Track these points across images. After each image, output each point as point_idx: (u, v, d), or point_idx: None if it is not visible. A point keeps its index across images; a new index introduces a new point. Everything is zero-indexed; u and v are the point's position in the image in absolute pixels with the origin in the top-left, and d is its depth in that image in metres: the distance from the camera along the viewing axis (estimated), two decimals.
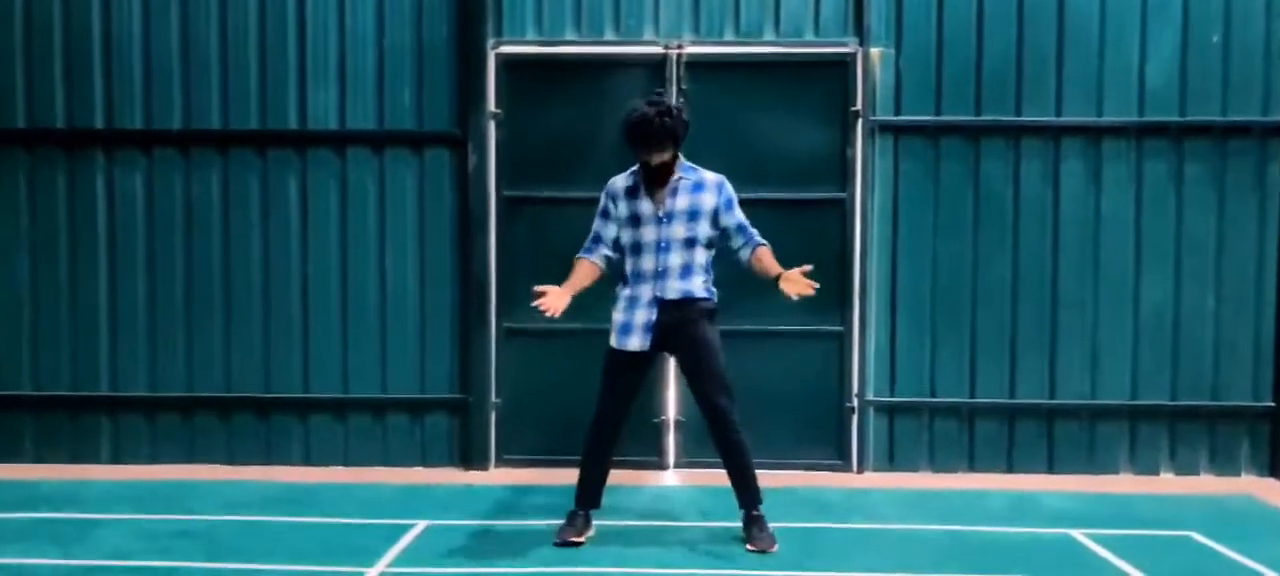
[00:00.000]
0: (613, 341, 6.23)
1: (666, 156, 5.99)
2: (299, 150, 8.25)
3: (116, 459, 8.32)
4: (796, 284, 5.99)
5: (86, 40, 8.22)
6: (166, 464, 8.26)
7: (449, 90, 8.19)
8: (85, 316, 8.30)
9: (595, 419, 6.26)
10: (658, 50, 8.13)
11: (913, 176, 8.18)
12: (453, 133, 8.19)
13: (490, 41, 8.14)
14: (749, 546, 6.13)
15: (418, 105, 8.23)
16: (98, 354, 8.31)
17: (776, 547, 6.10)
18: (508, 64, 8.19)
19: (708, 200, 6.08)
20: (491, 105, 8.16)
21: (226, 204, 8.27)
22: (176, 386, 8.31)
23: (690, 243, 6.05)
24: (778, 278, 6.06)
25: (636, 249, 6.12)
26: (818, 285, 6.02)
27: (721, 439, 6.19)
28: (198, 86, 8.23)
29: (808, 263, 7.87)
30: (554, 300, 6.00)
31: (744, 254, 6.22)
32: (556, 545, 6.16)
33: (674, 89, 8.02)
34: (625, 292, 6.22)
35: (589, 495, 6.32)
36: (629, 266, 6.19)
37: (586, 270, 6.24)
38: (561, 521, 6.35)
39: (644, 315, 6.10)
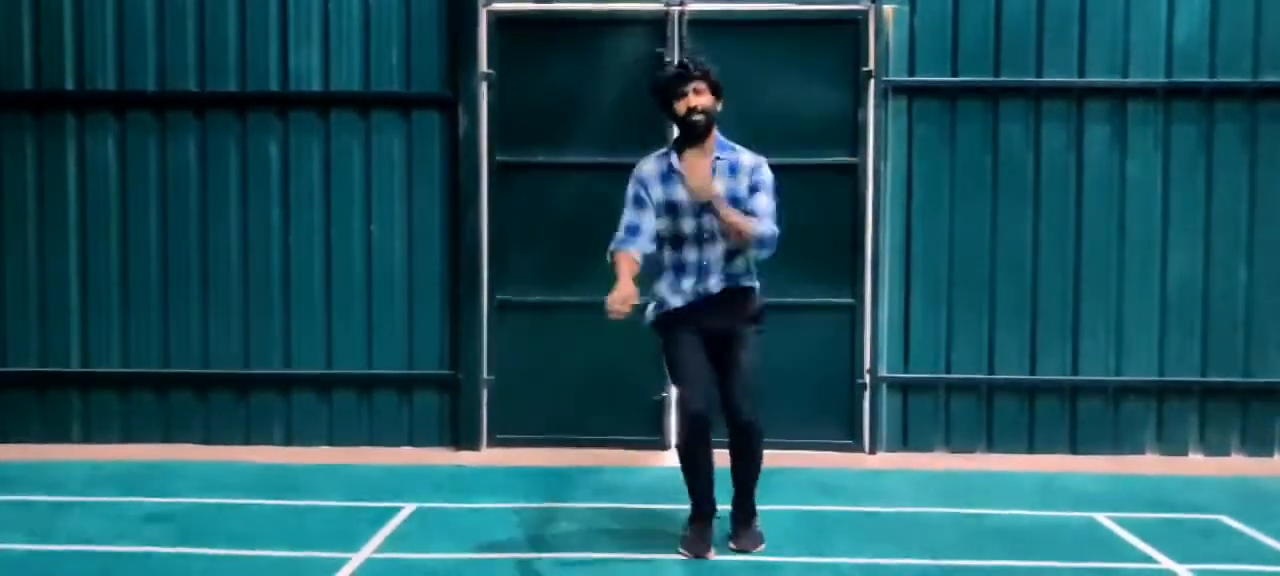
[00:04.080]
0: (650, 314, 5.83)
1: (707, 99, 5.64)
2: (280, 113, 8.16)
3: (87, 438, 8.24)
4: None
5: None
6: (140, 444, 8.17)
7: (438, 50, 8.11)
8: (54, 289, 8.21)
9: (678, 407, 5.75)
10: (659, 7, 8.03)
11: (928, 141, 8.08)
12: (443, 94, 8.10)
13: None
14: (732, 544, 5.86)
15: (406, 65, 8.14)
16: (68, 328, 8.22)
17: (763, 547, 5.87)
18: (500, 22, 8.10)
19: (743, 182, 5.70)
20: (483, 65, 8.07)
21: (204, 170, 8.18)
22: (151, 362, 8.22)
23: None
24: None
25: (677, 241, 5.73)
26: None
27: (743, 449, 5.79)
28: (173, 45, 8.14)
29: (817, 233, 7.89)
30: (622, 301, 5.41)
31: (755, 251, 5.76)
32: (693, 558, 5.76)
33: (676, 49, 7.87)
34: (668, 278, 5.77)
35: (702, 494, 5.84)
36: (668, 258, 5.77)
37: (630, 264, 5.64)
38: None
39: (683, 300, 5.71)
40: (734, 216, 5.52)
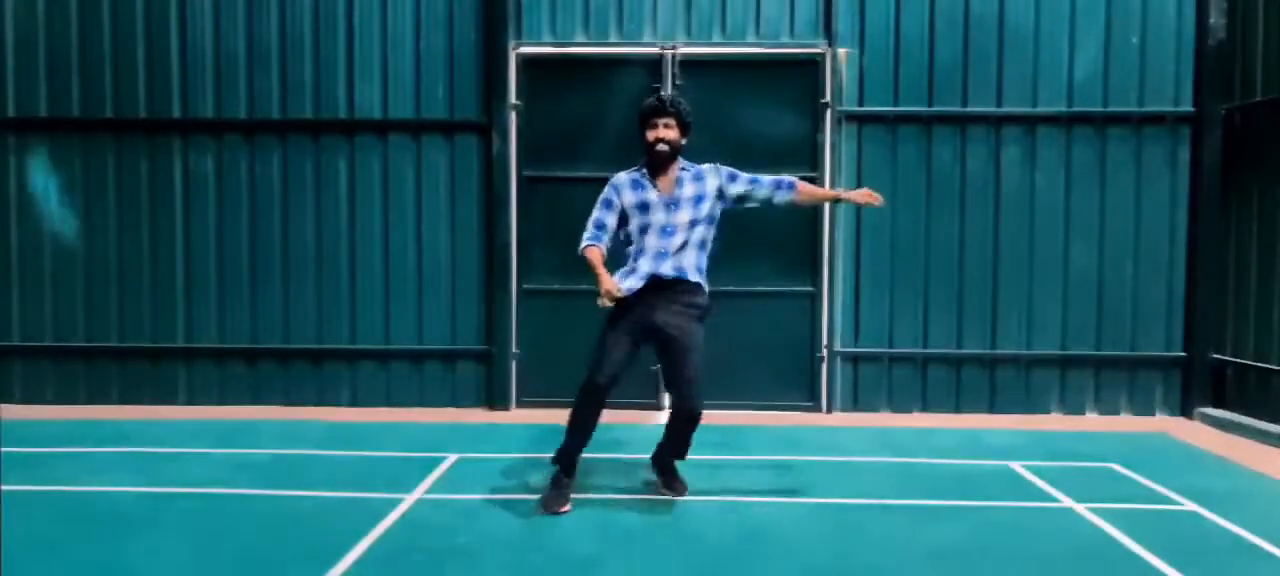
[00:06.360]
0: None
1: (673, 134, 5.47)
2: (348, 135, 8.10)
3: (190, 400, 8.20)
4: (863, 195, 5.53)
5: (165, 39, 8.06)
6: (233, 405, 8.13)
7: (476, 85, 8.05)
8: (164, 278, 8.16)
9: (586, 377, 5.39)
10: (655, 50, 7.96)
11: (874, 159, 8.01)
12: (479, 121, 8.03)
13: (511, 43, 7.99)
14: (671, 492, 5.70)
15: (449, 97, 8.08)
16: (175, 310, 8.17)
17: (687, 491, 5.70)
18: (527, 62, 8.04)
19: (710, 183, 5.54)
20: (512, 97, 8.00)
21: (285, 181, 8.13)
22: (242, 338, 8.17)
23: (693, 223, 5.49)
24: (836, 199, 5.76)
25: (643, 230, 5.52)
26: (881, 199, 5.53)
27: (681, 429, 5.54)
28: (260, 81, 8.08)
29: (783, 233, 7.84)
30: (613, 290, 5.25)
31: (781, 196, 5.62)
32: (550, 514, 5.39)
33: (669, 84, 7.81)
34: (629, 264, 5.54)
35: (575, 454, 5.55)
36: (634, 245, 5.55)
37: (601, 257, 5.46)
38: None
39: (638, 282, 5.44)
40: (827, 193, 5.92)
